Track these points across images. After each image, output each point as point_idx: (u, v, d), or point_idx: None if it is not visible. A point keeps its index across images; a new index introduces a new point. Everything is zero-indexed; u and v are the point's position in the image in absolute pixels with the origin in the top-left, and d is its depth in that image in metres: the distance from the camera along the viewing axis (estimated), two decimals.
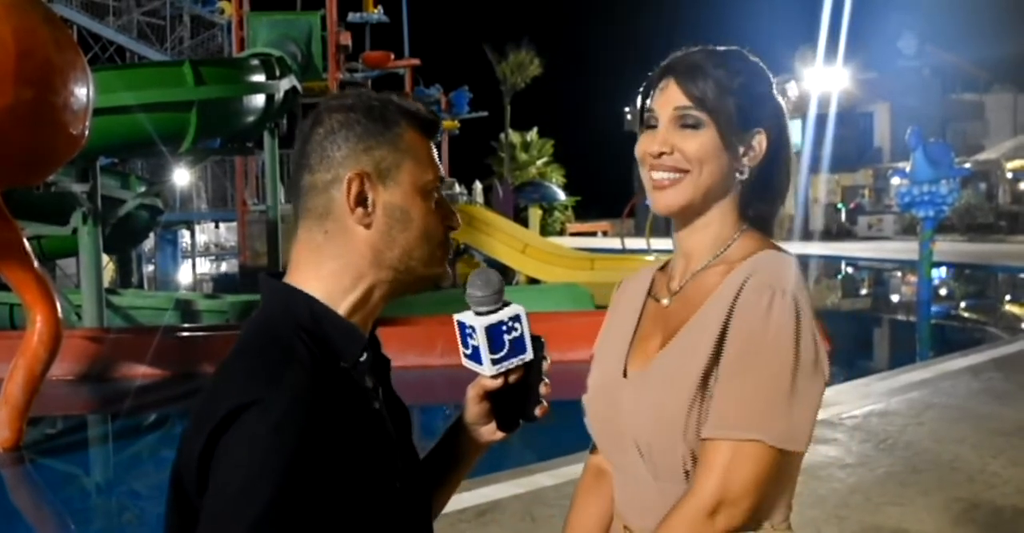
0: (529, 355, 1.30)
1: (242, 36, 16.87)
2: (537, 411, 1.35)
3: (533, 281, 19.27)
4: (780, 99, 1.45)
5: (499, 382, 1.31)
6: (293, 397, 1.07)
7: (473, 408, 1.37)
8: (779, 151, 1.42)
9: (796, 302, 1.29)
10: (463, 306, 1.29)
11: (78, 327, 10.44)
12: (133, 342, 10.05)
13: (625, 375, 1.43)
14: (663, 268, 1.56)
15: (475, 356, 1.29)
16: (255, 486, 1.02)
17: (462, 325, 1.30)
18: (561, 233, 42.53)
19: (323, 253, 1.22)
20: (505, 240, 20.39)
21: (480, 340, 1.27)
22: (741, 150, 1.38)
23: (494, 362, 1.28)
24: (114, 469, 7.57)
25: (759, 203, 1.43)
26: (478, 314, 1.28)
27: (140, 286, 18.35)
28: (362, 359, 1.19)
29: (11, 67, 5.82)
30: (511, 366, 1.29)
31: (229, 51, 19.31)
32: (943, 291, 19.43)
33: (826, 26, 29.44)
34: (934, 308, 15.83)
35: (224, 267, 31.46)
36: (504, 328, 1.28)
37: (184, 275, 25.36)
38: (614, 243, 27.48)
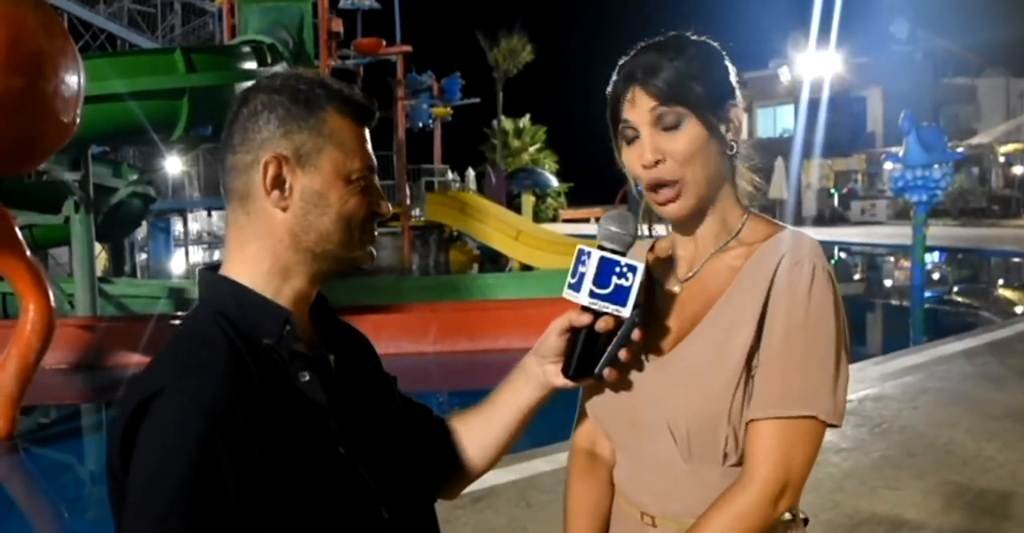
0: (626, 312, 1.30)
1: (233, 23, 16.75)
2: (606, 371, 1.35)
3: (526, 267, 19.27)
4: (732, 68, 1.43)
5: (587, 320, 1.30)
6: (201, 383, 1.08)
7: (551, 339, 1.36)
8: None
9: (831, 277, 1.30)
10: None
11: (71, 316, 10.43)
12: (126, 331, 10.04)
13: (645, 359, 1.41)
14: (652, 249, 1.54)
15: (577, 285, 1.30)
16: (165, 472, 1.04)
17: (581, 252, 1.32)
18: (554, 220, 42.49)
19: (246, 234, 1.24)
20: (498, 227, 20.40)
21: (590, 268, 1.29)
22: (724, 128, 1.37)
23: (591, 294, 1.29)
24: (107, 458, 7.56)
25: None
26: (601, 248, 1.31)
27: (133, 275, 18.31)
28: (284, 333, 1.19)
29: (1, 55, 5.78)
30: (605, 309, 1.30)
31: (220, 38, 19.19)
32: (936, 275, 19.47)
33: (818, 10, 29.37)
34: (928, 293, 15.85)
35: (216, 255, 31.34)
36: (617, 270, 1.29)
37: (177, 263, 25.31)
38: None
